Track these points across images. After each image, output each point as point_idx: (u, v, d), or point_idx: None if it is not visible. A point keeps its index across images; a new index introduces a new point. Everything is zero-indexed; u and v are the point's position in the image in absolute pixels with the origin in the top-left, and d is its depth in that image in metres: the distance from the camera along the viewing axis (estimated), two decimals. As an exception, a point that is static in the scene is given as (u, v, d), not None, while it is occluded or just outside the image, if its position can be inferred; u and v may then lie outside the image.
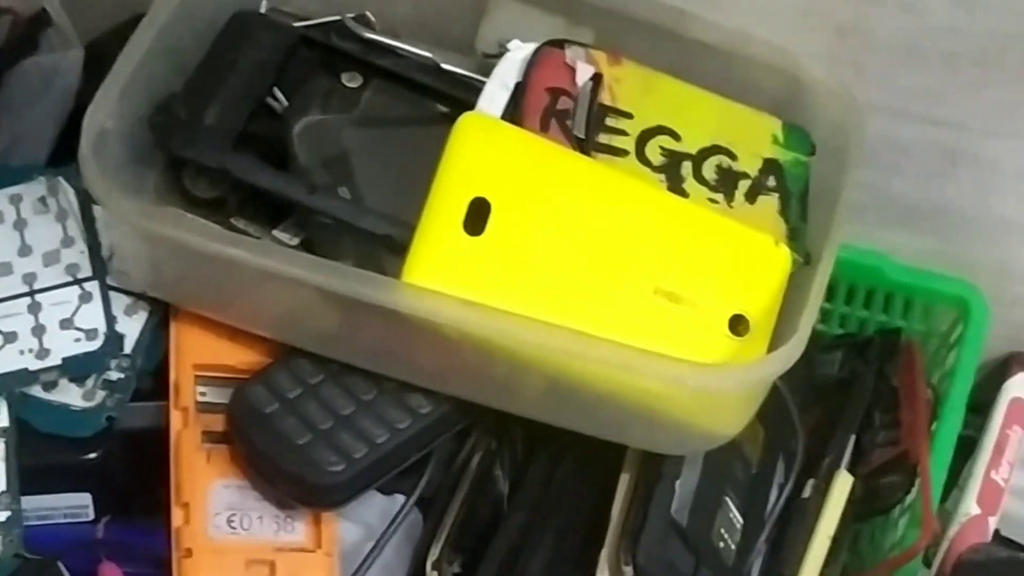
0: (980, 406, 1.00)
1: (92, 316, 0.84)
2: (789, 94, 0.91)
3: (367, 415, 0.82)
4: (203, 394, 0.83)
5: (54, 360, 0.83)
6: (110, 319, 0.84)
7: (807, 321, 0.80)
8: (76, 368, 0.83)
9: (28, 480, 0.81)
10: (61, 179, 0.88)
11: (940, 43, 0.92)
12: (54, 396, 0.83)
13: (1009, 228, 1.01)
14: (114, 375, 0.84)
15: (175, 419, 0.82)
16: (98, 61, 0.93)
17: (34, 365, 0.83)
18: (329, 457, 0.80)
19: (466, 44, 0.92)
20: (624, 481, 0.86)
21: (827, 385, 0.99)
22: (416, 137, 0.87)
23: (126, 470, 0.84)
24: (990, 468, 0.97)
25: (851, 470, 0.92)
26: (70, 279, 0.85)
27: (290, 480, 0.80)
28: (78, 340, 0.83)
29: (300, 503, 0.82)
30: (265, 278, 0.78)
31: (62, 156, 0.91)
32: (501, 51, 0.88)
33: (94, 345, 0.83)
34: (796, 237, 0.86)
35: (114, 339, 0.84)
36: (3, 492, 0.80)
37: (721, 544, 0.86)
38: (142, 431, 0.84)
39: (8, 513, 0.80)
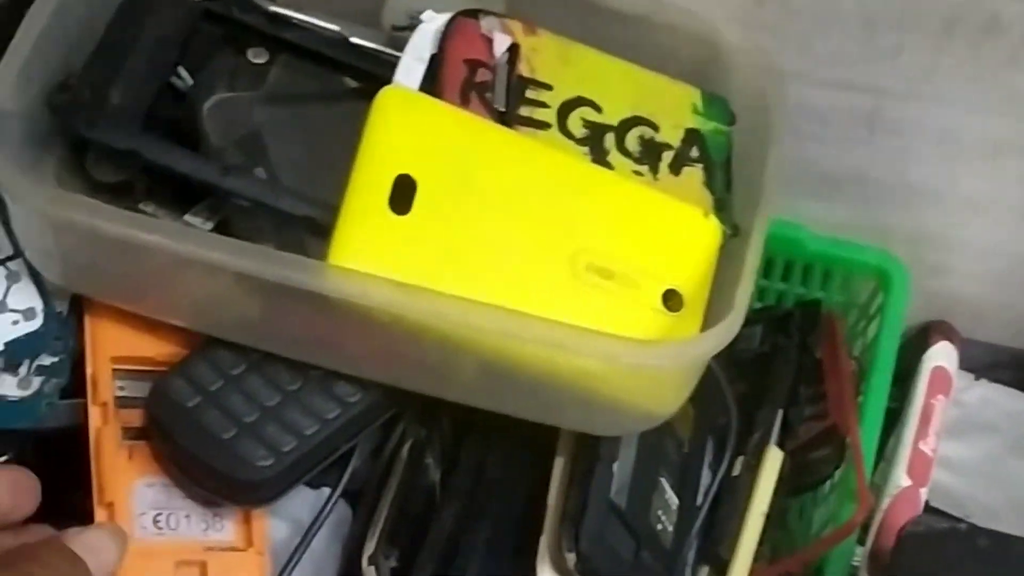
0: (902, 376, 1.00)
1: (25, 296, 0.79)
2: (707, 61, 0.89)
3: (294, 406, 0.79)
4: (121, 388, 0.79)
5: None
6: (45, 296, 0.80)
7: (743, 296, 0.78)
8: (20, 351, 0.78)
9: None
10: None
11: (858, 7, 0.90)
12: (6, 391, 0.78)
13: (927, 196, 1.00)
14: (47, 359, 0.79)
15: (94, 415, 0.78)
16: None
17: (-25, 353, 0.78)
18: (257, 451, 0.77)
19: (372, 17, 0.88)
20: (559, 465, 0.83)
21: (748, 359, 0.98)
22: (328, 113, 0.84)
23: (38, 473, 0.79)
24: (917, 439, 0.97)
25: (780, 445, 0.91)
26: None
27: (217, 477, 0.77)
28: (16, 323, 0.79)
29: (228, 501, 0.78)
30: (183, 265, 0.74)
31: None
32: (412, 23, 0.85)
33: (34, 325, 0.79)
34: (723, 208, 0.84)
35: (54, 315, 0.79)
36: None
37: (659, 526, 0.84)
38: (53, 431, 0.80)
39: None
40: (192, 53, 0.83)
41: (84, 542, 0.69)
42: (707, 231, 0.82)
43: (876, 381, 0.96)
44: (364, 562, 0.80)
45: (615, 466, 0.82)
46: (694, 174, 0.85)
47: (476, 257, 0.77)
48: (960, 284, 1.05)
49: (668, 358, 0.77)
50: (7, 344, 0.79)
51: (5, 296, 0.80)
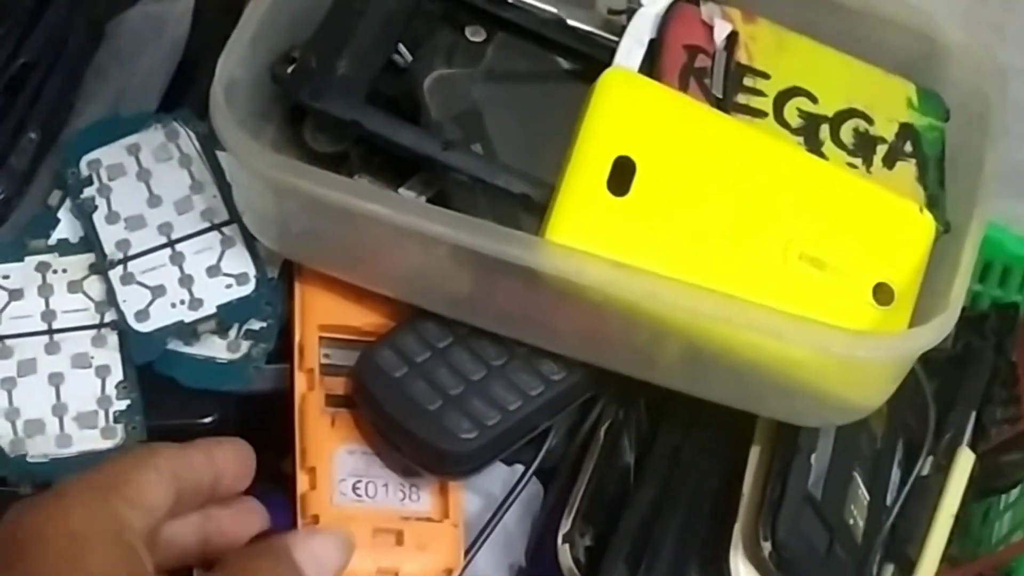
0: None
1: (239, 260, 0.81)
2: (923, 56, 0.88)
3: (498, 381, 0.79)
4: (327, 356, 0.80)
5: (208, 309, 0.80)
6: (258, 261, 0.81)
7: (958, 292, 0.77)
8: (233, 315, 0.80)
9: (154, 440, 0.77)
10: (177, 123, 0.84)
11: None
12: (198, 350, 0.80)
13: None
14: (256, 324, 0.80)
15: (300, 381, 0.79)
16: (205, 10, 0.90)
17: (189, 317, 0.80)
18: (462, 423, 0.77)
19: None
20: (755, 454, 0.83)
21: (940, 360, 0.96)
22: (545, 94, 0.84)
23: (240, 436, 0.81)
24: (1113, 447, 0.95)
25: (971, 447, 0.90)
26: (208, 224, 0.82)
27: (421, 447, 0.77)
28: (229, 286, 0.80)
29: (429, 471, 0.78)
30: (400, 235, 0.75)
31: (172, 108, 0.87)
32: (629, 7, 0.85)
33: (247, 289, 0.80)
34: (935, 205, 0.84)
35: (266, 281, 0.81)
36: (120, 382, 0.78)
37: (851, 521, 0.84)
38: (258, 395, 0.81)
39: (128, 401, 0.78)
40: (412, 30, 0.84)
41: (312, 551, 0.66)
42: (921, 226, 0.81)
43: (1072, 386, 0.94)
44: (559, 540, 0.80)
45: (813, 457, 0.81)
46: (907, 169, 0.85)
47: (691, 241, 0.77)
48: None
49: (881, 351, 0.77)
50: (219, 307, 0.80)
51: (219, 260, 0.81)
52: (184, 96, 0.87)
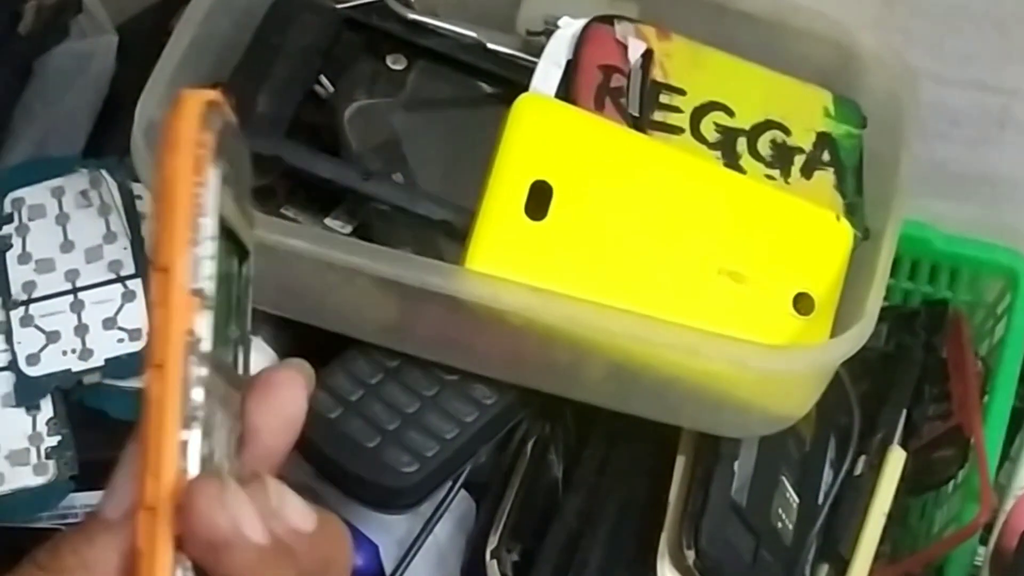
0: (1027, 374, 0.99)
1: (136, 315, 0.82)
2: (838, 64, 0.90)
3: (433, 411, 0.80)
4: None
5: (97, 361, 0.80)
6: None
7: (874, 301, 0.79)
8: (119, 370, 0.80)
9: (85, 475, 0.78)
10: (103, 172, 0.85)
11: (989, 6, 0.91)
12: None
13: (1058, 195, 1.00)
14: None
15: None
16: (129, 46, 0.91)
17: (77, 366, 0.80)
18: (402, 458, 0.78)
19: (506, 22, 0.90)
20: (681, 463, 0.84)
21: (872, 358, 0.98)
22: (465, 119, 0.86)
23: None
24: (1044, 439, 0.96)
25: (903, 445, 0.92)
26: (113, 276, 0.83)
27: (364, 486, 0.78)
28: (121, 340, 0.81)
29: (375, 508, 0.79)
30: (323, 269, 0.76)
31: (98, 144, 0.89)
32: (548, 28, 0.86)
33: (137, 346, 0.81)
34: (854, 212, 0.85)
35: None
36: (51, 419, 0.79)
37: (779, 524, 0.85)
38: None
39: (59, 437, 0.79)
40: (333, 60, 0.85)
41: None
42: (838, 235, 0.83)
43: (1002, 381, 0.96)
44: (487, 556, 0.82)
45: (736, 464, 0.83)
46: (825, 178, 0.86)
47: (610, 262, 0.79)
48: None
49: (798, 363, 0.79)
50: (108, 360, 0.81)
51: (117, 313, 0.82)
52: (110, 133, 0.88)
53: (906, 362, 0.97)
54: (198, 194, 0.43)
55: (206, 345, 0.43)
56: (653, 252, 0.79)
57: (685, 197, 0.81)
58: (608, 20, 0.86)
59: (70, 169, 0.86)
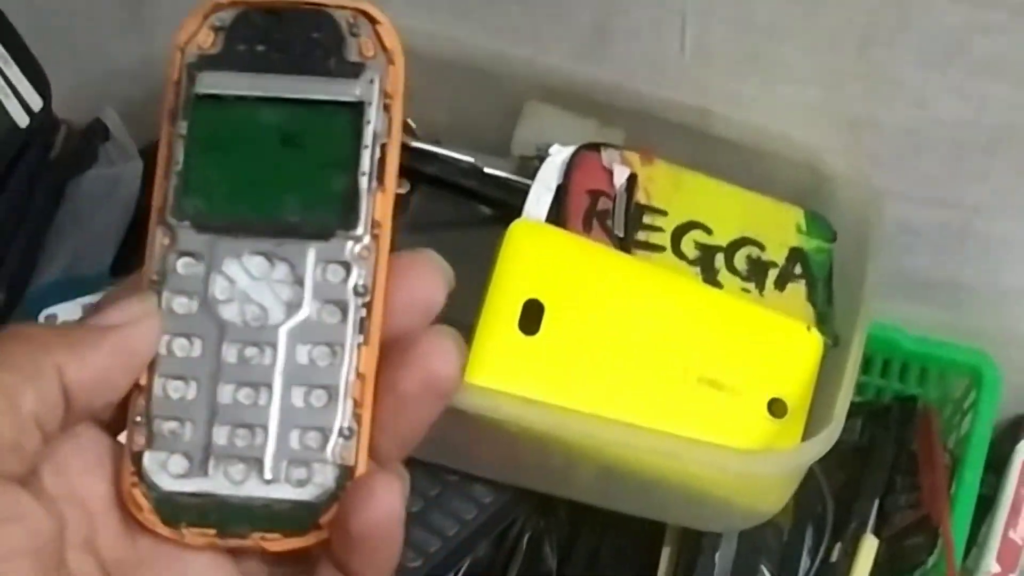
0: (994, 464, 1.04)
1: None
2: (810, 184, 0.96)
3: (435, 510, 0.87)
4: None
5: None
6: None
7: (842, 406, 0.85)
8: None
9: None
10: (130, 291, 0.92)
11: (948, 134, 0.97)
12: None
13: (1017, 298, 1.05)
14: None
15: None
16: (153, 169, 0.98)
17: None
18: (407, 554, 0.84)
19: (501, 147, 0.96)
20: (666, 555, 0.91)
21: (848, 451, 1.03)
22: (463, 240, 0.92)
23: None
24: (1007, 527, 1.01)
25: (876, 533, 0.97)
26: None
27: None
28: None
29: (379, 602, 0.86)
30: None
31: (126, 262, 0.95)
32: (539, 154, 0.93)
33: None
34: (824, 321, 0.92)
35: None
36: None
37: (760, 612, 0.91)
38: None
39: None
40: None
41: None
42: (809, 343, 0.89)
43: (968, 473, 1.01)
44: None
45: (717, 556, 0.89)
46: (798, 290, 0.93)
47: (598, 372, 0.85)
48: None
49: (772, 466, 0.85)
50: None
51: None
52: (137, 251, 0.94)
53: (879, 454, 1.02)
54: None
55: None
56: (638, 363, 0.86)
57: (667, 312, 0.88)
58: (595, 147, 0.93)
59: (100, 287, 0.92)
